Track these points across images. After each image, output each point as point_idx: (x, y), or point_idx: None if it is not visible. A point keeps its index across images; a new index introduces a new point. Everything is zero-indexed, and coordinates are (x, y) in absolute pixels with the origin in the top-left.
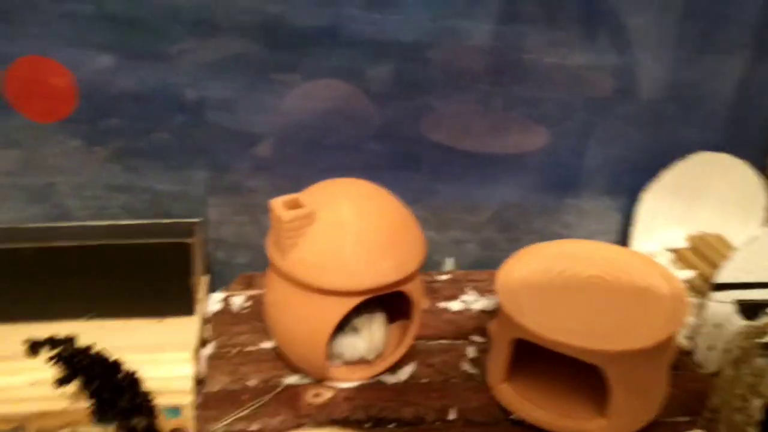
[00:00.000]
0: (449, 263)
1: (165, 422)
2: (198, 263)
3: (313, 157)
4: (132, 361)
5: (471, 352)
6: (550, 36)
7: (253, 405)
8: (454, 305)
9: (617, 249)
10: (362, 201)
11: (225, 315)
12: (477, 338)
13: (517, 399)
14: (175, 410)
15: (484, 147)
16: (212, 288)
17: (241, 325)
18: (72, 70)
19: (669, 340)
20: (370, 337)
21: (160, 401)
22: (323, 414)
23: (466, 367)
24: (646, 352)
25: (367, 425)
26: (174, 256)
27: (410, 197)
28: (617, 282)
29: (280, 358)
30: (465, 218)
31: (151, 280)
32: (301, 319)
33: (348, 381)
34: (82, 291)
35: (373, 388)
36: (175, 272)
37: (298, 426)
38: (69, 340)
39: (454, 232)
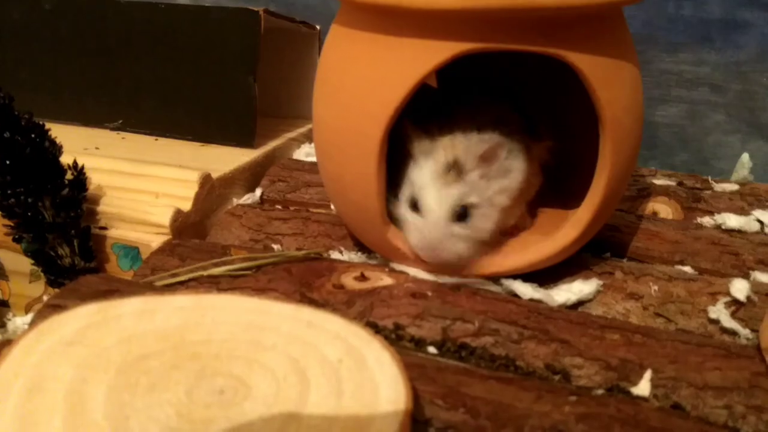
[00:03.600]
0: (744, 165)
1: (116, 267)
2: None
3: None
4: (118, 171)
5: (741, 292)
6: None
7: (225, 263)
8: (732, 220)
9: None
10: None
11: (307, 164)
12: (762, 276)
13: None
14: (133, 251)
15: None
16: None
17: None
18: None
19: None
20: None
21: (116, 233)
22: (356, 304)
23: (721, 316)
24: None
25: (430, 348)
26: (237, 38)
27: None
28: None
29: (345, 225)
30: None
31: (204, 77)
32: (350, 85)
33: (436, 273)
34: (113, 76)
35: (480, 294)
36: (235, 66)
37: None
38: None
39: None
